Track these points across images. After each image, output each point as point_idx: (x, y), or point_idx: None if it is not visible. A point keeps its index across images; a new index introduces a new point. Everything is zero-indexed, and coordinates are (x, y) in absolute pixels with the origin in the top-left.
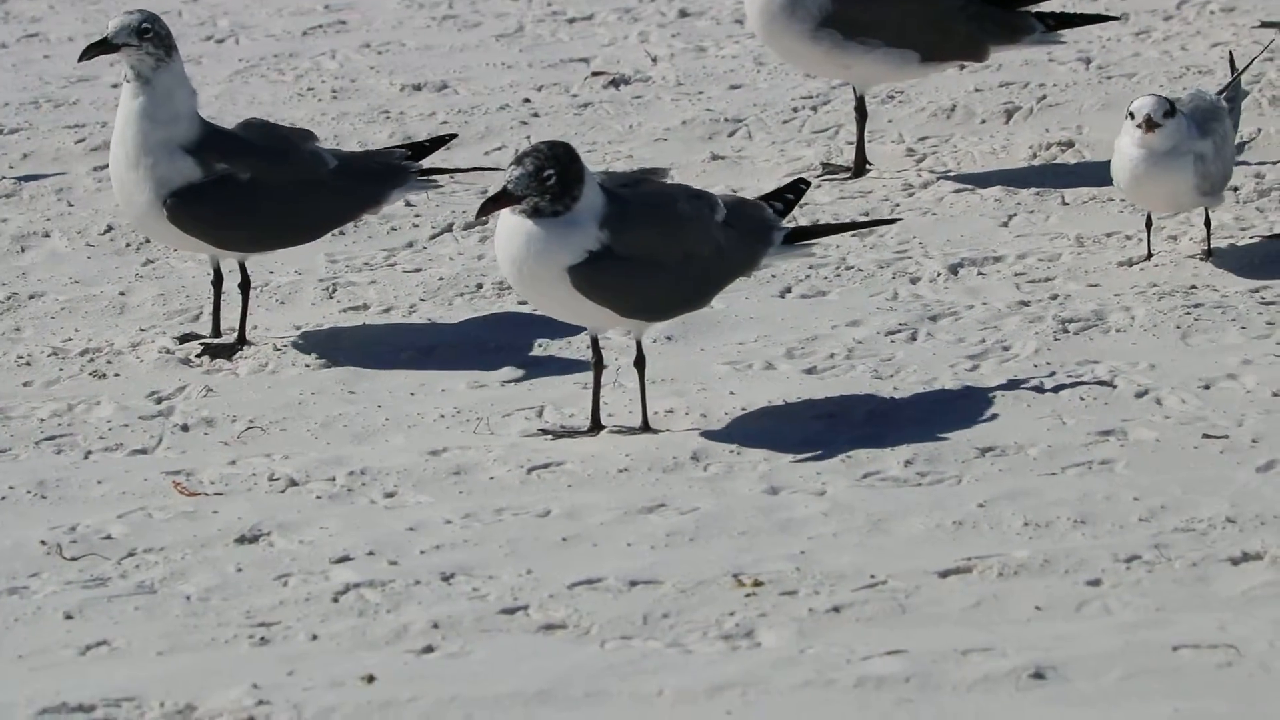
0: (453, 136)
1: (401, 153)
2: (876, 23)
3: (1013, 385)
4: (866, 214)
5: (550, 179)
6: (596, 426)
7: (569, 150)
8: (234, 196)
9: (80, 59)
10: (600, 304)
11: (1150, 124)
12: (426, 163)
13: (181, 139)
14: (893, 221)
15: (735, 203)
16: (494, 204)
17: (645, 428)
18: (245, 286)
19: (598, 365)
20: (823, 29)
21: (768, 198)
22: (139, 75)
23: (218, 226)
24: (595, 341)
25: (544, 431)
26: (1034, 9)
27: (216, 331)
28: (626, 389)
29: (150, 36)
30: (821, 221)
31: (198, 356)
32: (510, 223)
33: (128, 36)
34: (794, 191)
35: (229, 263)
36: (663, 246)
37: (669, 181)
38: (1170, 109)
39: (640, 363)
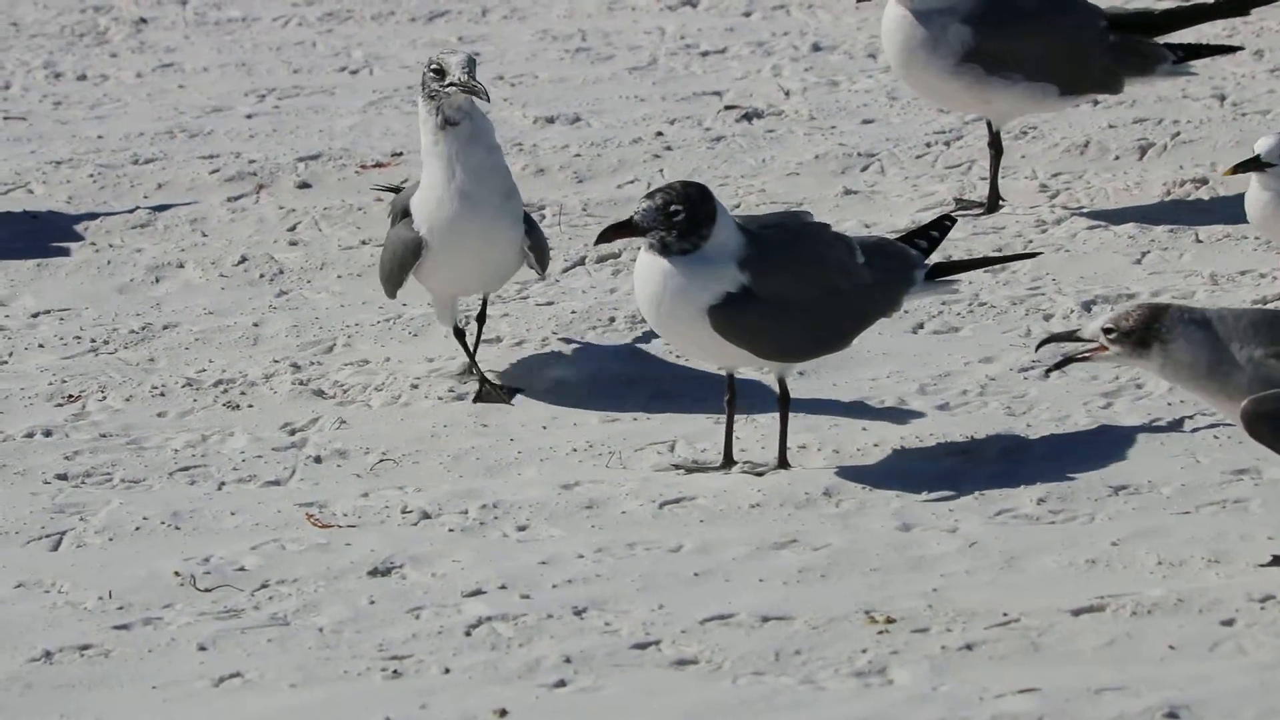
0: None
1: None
2: (1018, 56)
3: (1146, 423)
4: (999, 250)
5: (678, 215)
6: (729, 462)
7: (702, 191)
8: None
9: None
10: (739, 345)
11: (1255, 164)
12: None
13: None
14: (1032, 256)
15: (875, 244)
16: (615, 232)
17: (782, 464)
18: (480, 318)
19: (731, 401)
20: (964, 64)
21: (911, 235)
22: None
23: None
24: (731, 378)
25: (676, 466)
26: (1164, 40)
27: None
28: (758, 423)
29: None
30: (953, 257)
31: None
32: (647, 262)
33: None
34: (939, 229)
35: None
36: (802, 288)
37: (810, 222)
38: None
39: (784, 400)
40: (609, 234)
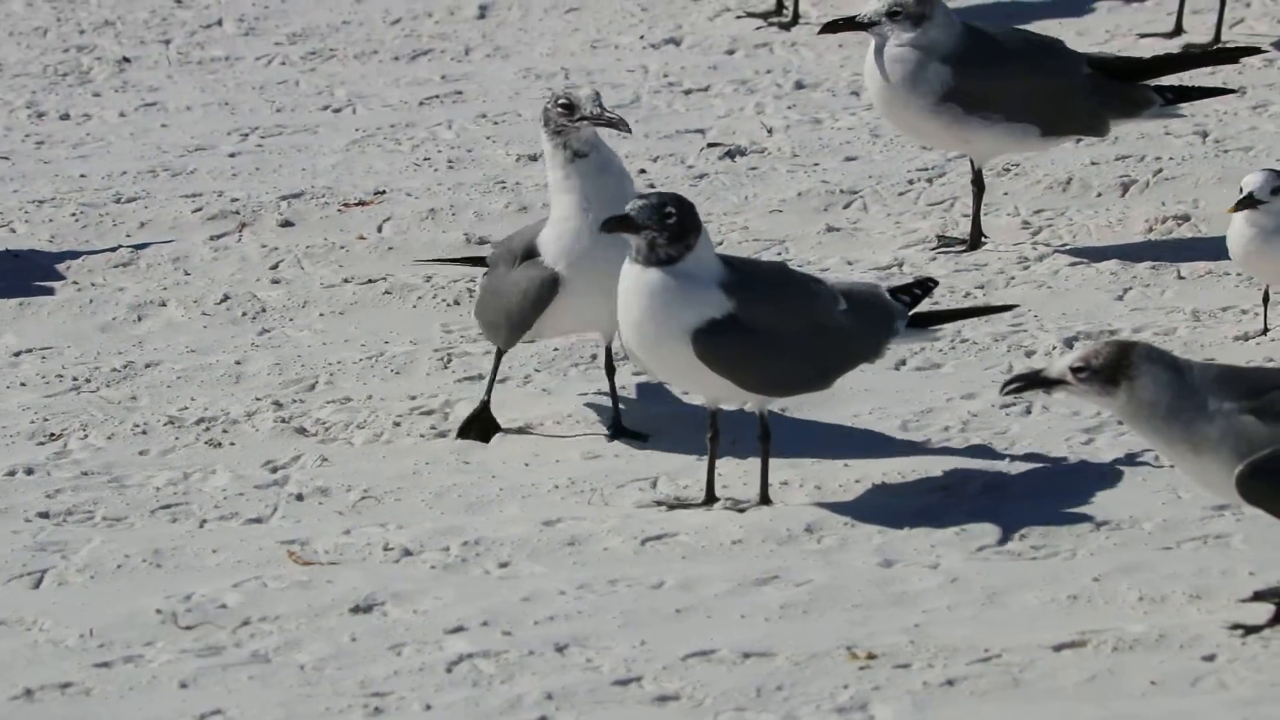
0: (935, 284)
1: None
2: (998, 97)
3: (1128, 459)
4: (981, 286)
5: (671, 217)
6: (711, 499)
7: (691, 204)
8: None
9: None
10: (720, 373)
11: (1251, 202)
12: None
13: None
14: (1009, 309)
15: (856, 290)
16: (616, 224)
17: (764, 500)
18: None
19: (714, 438)
20: (944, 103)
21: (893, 291)
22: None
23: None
24: (714, 415)
25: (659, 503)
26: (1153, 83)
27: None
28: (740, 460)
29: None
30: (935, 294)
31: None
32: (632, 280)
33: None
34: (922, 288)
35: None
36: (787, 319)
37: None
38: None
39: (765, 436)
40: (611, 225)
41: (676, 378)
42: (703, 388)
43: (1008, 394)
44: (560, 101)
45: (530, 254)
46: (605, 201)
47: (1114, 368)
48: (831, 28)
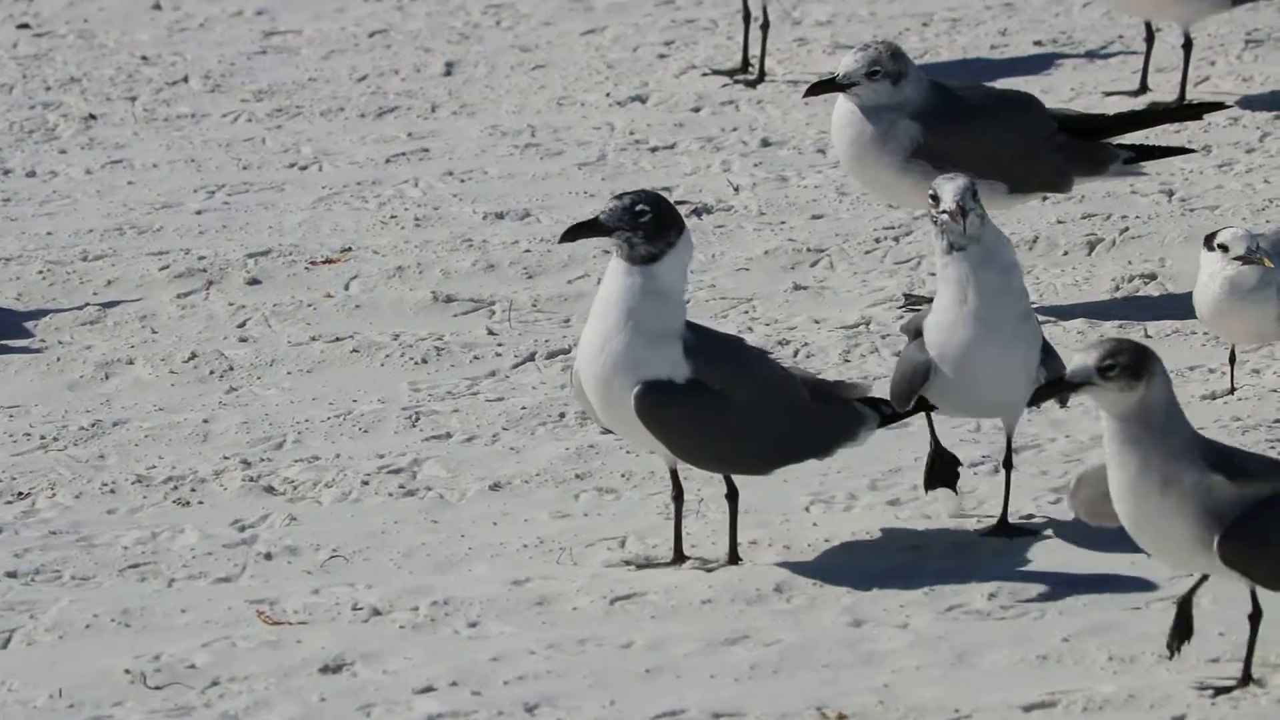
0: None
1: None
2: (966, 154)
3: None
4: None
5: (644, 215)
6: (680, 558)
7: (669, 201)
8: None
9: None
10: (659, 438)
11: (1251, 256)
12: None
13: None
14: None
15: (824, 386)
16: (581, 230)
17: (733, 559)
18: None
19: (678, 497)
20: (912, 160)
21: (878, 401)
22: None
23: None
24: (674, 473)
25: (627, 563)
26: (1116, 141)
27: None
28: (709, 519)
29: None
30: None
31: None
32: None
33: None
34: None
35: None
36: (741, 387)
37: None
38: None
39: (732, 495)
40: (575, 232)
41: (627, 430)
42: (650, 444)
43: (1036, 404)
44: (930, 192)
45: (919, 333)
46: (985, 297)
47: (1139, 364)
48: (815, 90)
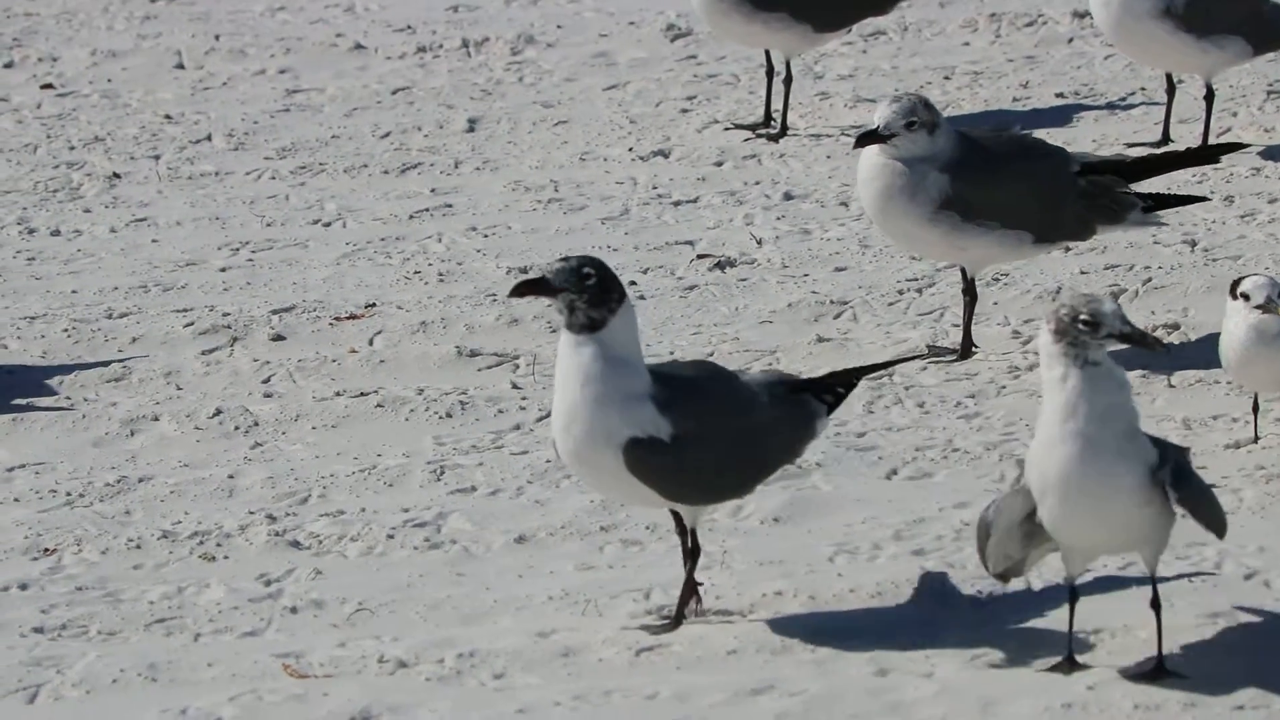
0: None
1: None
2: (995, 205)
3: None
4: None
5: (590, 279)
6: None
7: (610, 269)
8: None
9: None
10: (650, 486)
11: (1270, 305)
12: None
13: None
14: (920, 358)
15: (769, 385)
16: (529, 287)
17: (677, 621)
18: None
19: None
20: (942, 211)
21: (817, 386)
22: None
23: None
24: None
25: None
26: (1134, 189)
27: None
28: (734, 570)
29: None
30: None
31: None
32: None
33: None
34: (845, 385)
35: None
36: (713, 425)
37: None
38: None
39: (694, 553)
40: (523, 289)
41: (608, 488)
42: (631, 495)
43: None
44: (1081, 318)
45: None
46: (1093, 418)
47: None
48: (861, 142)
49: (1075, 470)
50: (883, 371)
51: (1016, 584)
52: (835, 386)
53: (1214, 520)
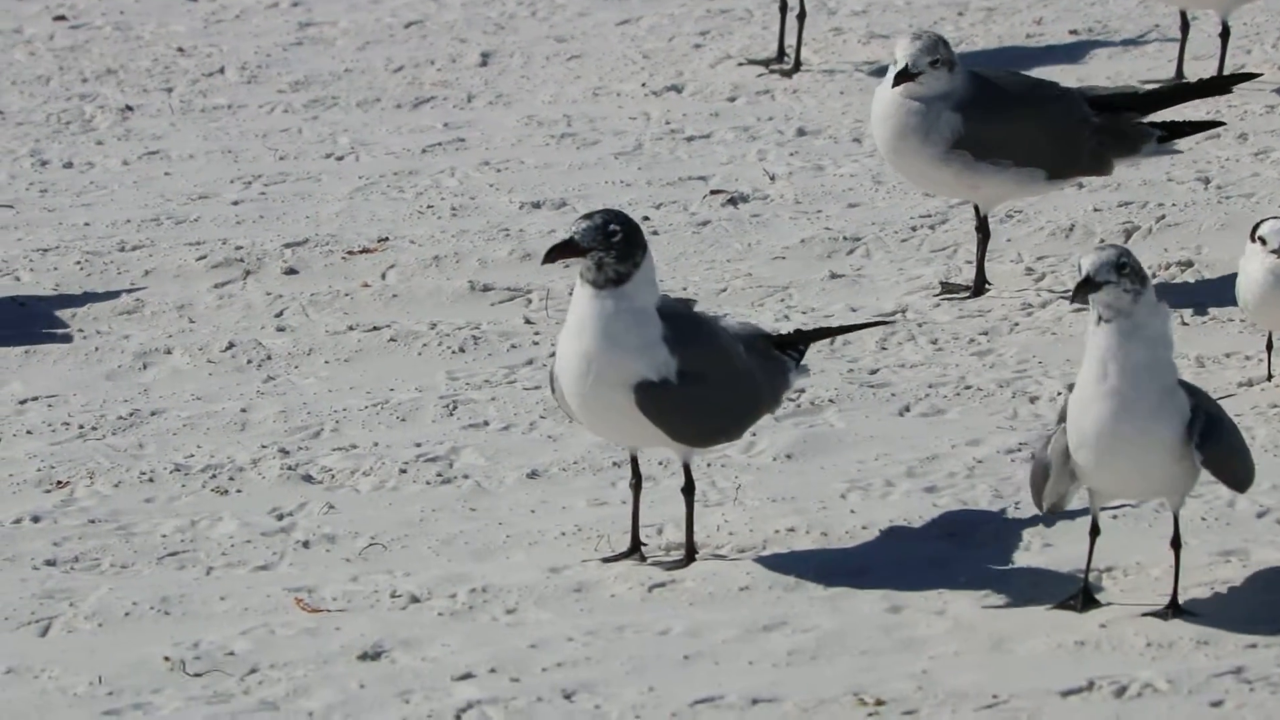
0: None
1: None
2: (1007, 142)
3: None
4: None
5: (616, 235)
6: (635, 548)
7: (634, 220)
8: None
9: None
10: (659, 427)
11: None
12: None
13: None
14: (887, 323)
15: (751, 337)
16: (559, 252)
17: (689, 556)
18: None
19: (637, 485)
20: (954, 150)
21: (785, 343)
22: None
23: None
24: (634, 461)
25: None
26: (1147, 120)
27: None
28: (747, 506)
29: None
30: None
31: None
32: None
33: None
34: (804, 341)
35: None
36: (720, 368)
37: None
38: None
39: (689, 489)
40: (555, 253)
41: (610, 429)
42: (631, 436)
43: (1074, 302)
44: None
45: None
46: (1127, 374)
47: (1140, 267)
48: (899, 81)
49: (1108, 427)
50: (845, 335)
51: (1029, 521)
52: (798, 344)
53: (1237, 479)
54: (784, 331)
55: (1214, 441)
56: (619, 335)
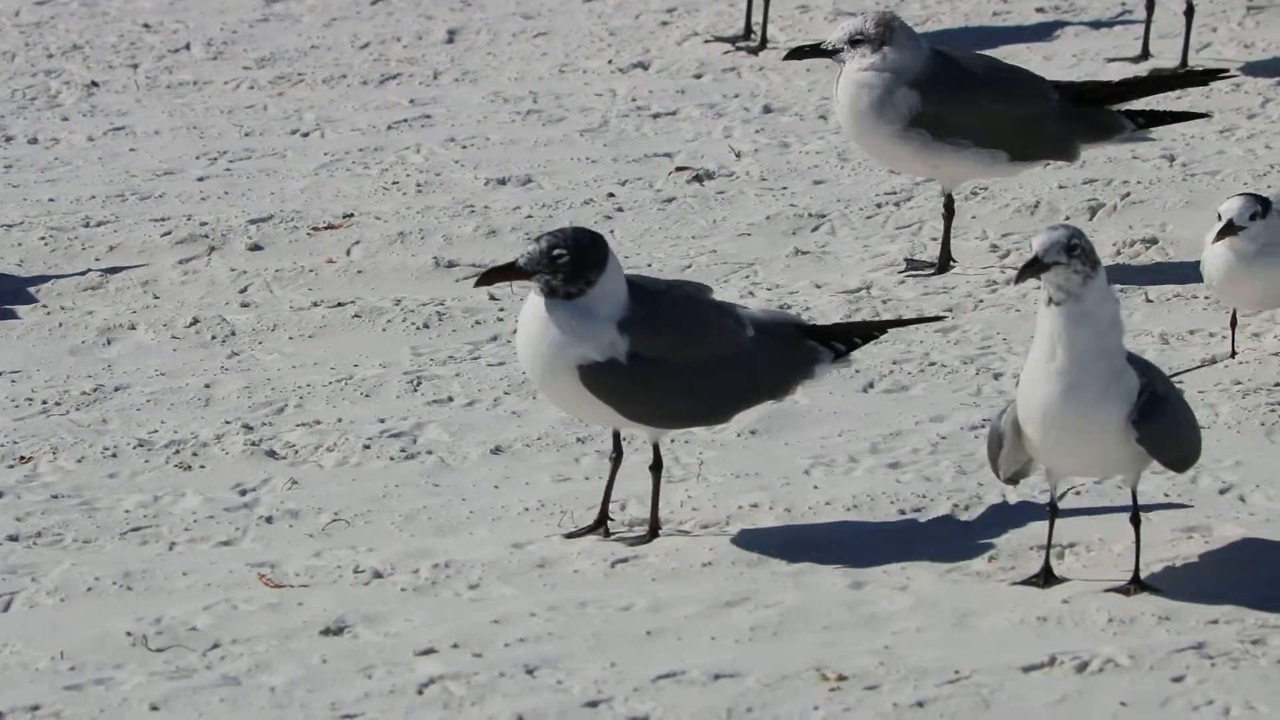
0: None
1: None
2: (966, 123)
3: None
4: (950, 309)
5: (561, 258)
6: (602, 523)
7: (594, 238)
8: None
9: None
10: (611, 406)
11: (1231, 229)
12: None
13: None
14: (939, 319)
15: (771, 324)
16: (498, 274)
17: (653, 532)
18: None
19: (616, 459)
20: (912, 129)
21: (831, 334)
22: (1068, 293)
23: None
24: (616, 435)
25: (569, 536)
26: (1123, 107)
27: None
28: (711, 483)
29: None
30: (905, 317)
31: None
32: (531, 311)
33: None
34: (864, 337)
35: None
36: (681, 353)
37: (708, 297)
38: (1262, 209)
39: (657, 466)
40: (491, 276)
41: (570, 406)
42: (595, 416)
43: (1018, 283)
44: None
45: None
46: (1074, 356)
47: (1092, 251)
48: (796, 54)
49: (1055, 408)
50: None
51: (992, 498)
52: (852, 337)
53: (1173, 459)
54: (849, 322)
55: (1150, 421)
56: (564, 320)
